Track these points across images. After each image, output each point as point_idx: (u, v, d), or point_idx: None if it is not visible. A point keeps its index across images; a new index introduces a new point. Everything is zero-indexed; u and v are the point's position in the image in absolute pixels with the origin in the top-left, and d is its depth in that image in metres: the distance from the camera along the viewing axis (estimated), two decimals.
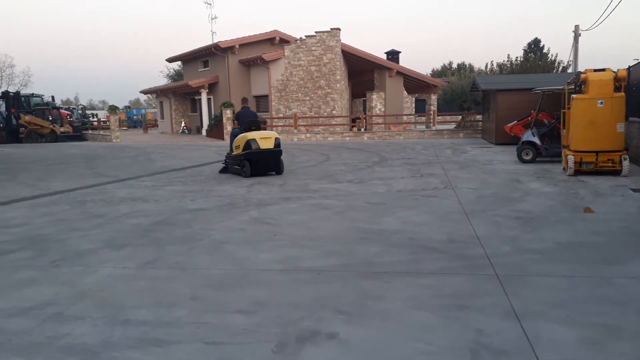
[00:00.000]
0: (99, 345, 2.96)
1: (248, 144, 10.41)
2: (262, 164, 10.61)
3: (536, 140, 11.69)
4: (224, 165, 11.59)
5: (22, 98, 29.42)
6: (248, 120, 11.00)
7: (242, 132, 10.80)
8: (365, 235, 5.42)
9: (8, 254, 5.00)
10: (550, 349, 2.81)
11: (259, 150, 10.41)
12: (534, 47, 46.98)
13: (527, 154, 11.74)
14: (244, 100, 12.23)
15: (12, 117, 27.86)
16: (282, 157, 11.05)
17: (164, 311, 3.46)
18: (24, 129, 27.69)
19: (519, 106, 15.52)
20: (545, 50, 43.06)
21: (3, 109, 28.26)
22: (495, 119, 16.93)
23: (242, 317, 3.33)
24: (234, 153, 10.87)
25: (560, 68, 35.15)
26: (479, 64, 73.43)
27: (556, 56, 36.88)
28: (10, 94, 28.90)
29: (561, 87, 11.44)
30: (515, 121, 14.49)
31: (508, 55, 51.64)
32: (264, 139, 10.57)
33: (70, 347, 2.96)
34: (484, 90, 18.60)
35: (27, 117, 27.73)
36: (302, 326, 3.17)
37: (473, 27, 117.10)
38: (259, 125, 11.19)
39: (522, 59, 36.05)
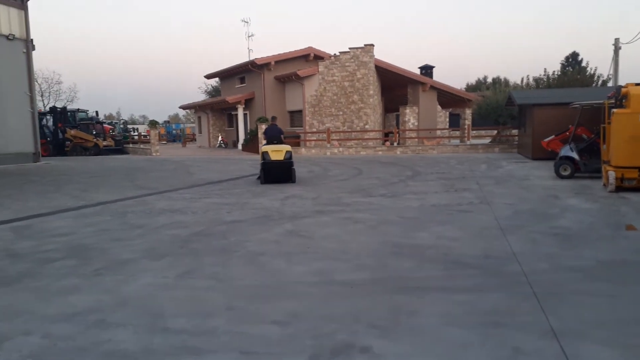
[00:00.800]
0: (139, 352, 3.06)
1: (263, 155, 12.02)
2: (273, 173, 12.00)
3: (574, 155, 11.41)
4: (259, 173, 12.64)
5: (68, 113, 30.69)
6: (271, 135, 12.50)
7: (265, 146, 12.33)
8: (399, 249, 5.41)
9: (54, 262, 5.22)
10: None
11: (271, 161, 11.91)
12: (572, 60, 45.89)
13: (565, 170, 11.46)
14: (273, 118, 13.60)
15: (59, 131, 29.11)
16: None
17: (201, 320, 3.55)
18: (69, 142, 28.85)
19: (556, 121, 15.21)
20: (583, 64, 41.96)
21: (50, 123, 29.57)
22: (532, 133, 16.61)
23: (277, 328, 3.38)
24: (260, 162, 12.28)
25: (600, 82, 34.22)
26: (514, 78, 72.18)
27: (595, 70, 35.89)
28: (58, 109, 30.23)
29: (601, 101, 11.16)
30: (553, 136, 14.19)
31: (545, 69, 50.66)
32: (275, 151, 11.98)
33: (112, 352, 3.07)
34: (520, 105, 18.30)
35: (73, 131, 28.89)
36: (336, 339, 3.20)
37: (508, 41, 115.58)
38: (280, 140, 12.51)
39: (559, 73, 35.32)
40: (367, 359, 2.93)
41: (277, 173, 12.01)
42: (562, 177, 11.39)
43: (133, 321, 3.56)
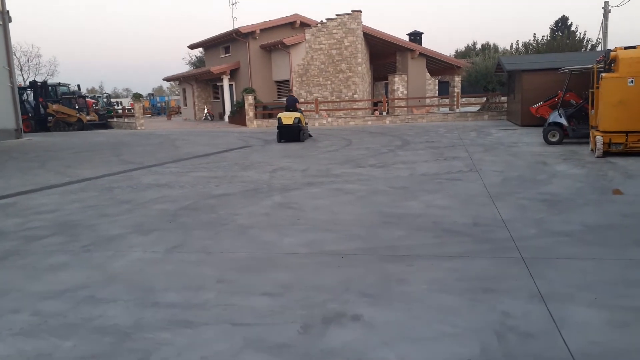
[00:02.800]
0: (130, 327, 3.06)
1: (278, 120, 15.42)
2: (284, 134, 15.32)
3: (563, 121, 11.44)
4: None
5: (49, 87, 29.95)
6: (288, 104, 16.10)
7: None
8: (389, 219, 5.42)
9: (41, 239, 5.17)
10: (578, 332, 2.79)
11: (283, 125, 15.24)
12: (562, 25, 45.66)
13: (553, 136, 11.50)
14: (290, 91, 18.73)
15: (40, 106, 28.48)
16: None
17: (192, 294, 3.54)
18: (51, 117, 28.29)
19: (546, 87, 15.17)
20: (573, 29, 41.81)
21: (31, 98, 28.90)
22: (521, 100, 16.59)
23: (268, 300, 3.39)
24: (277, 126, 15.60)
25: (589, 46, 34.15)
26: (503, 44, 71.78)
27: (584, 34, 35.90)
28: (38, 83, 29.49)
29: (590, 66, 11.12)
30: (542, 102, 14.20)
31: (534, 34, 50.42)
32: (286, 117, 15.23)
33: (103, 328, 3.06)
34: (509, 71, 18.22)
35: (55, 106, 28.29)
36: (327, 308, 3.22)
37: (497, 6, 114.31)
38: (295, 108, 15.93)
39: (548, 38, 35.16)
40: (358, 327, 2.96)
41: (288, 134, 15.25)
42: (551, 143, 11.44)
43: (123, 296, 3.54)
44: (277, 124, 15.44)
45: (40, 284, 3.87)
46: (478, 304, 3.21)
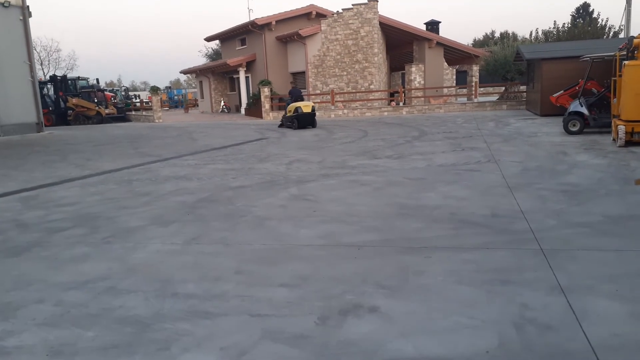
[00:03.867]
0: (150, 317, 3.11)
1: (296, 109, 17.14)
2: (303, 121, 17.18)
3: (584, 110, 11.22)
4: (281, 123, 18.54)
5: (69, 81, 30.36)
6: (296, 95, 18.43)
7: (292, 103, 17.77)
8: (405, 210, 5.40)
9: (63, 231, 5.27)
10: (599, 324, 2.75)
11: (302, 113, 17.06)
12: (583, 12, 44.62)
13: (574, 125, 11.29)
14: (293, 83, 21.36)
15: (60, 100, 28.92)
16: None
17: (211, 285, 3.58)
18: (71, 111, 28.69)
19: (566, 75, 14.86)
20: (594, 15, 40.84)
21: (51, 92, 29.35)
22: (541, 89, 16.30)
23: (286, 291, 3.41)
24: (288, 115, 17.61)
25: (611, 34, 33.34)
26: (523, 32, 70.49)
27: (606, 21, 35.00)
28: (58, 77, 29.93)
29: (612, 53, 10.86)
30: (562, 91, 13.91)
31: (554, 22, 49.35)
32: (305, 106, 17.29)
33: (124, 318, 3.12)
34: (529, 60, 17.89)
35: (74, 100, 28.69)
36: (344, 300, 3.23)
37: None
38: (303, 98, 18.56)
39: (569, 26, 34.42)
40: (376, 318, 2.96)
41: (306, 121, 17.27)
42: (571, 133, 11.24)
43: (143, 287, 3.60)
44: (294, 112, 17.10)
45: (63, 275, 3.95)
46: (496, 295, 3.18)
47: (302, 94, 18.55)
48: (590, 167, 7.31)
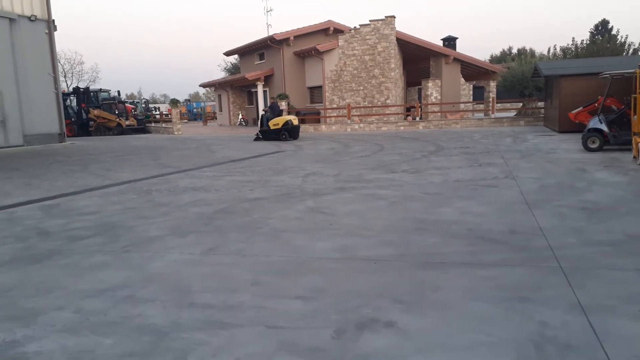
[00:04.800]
0: (168, 327, 3.13)
1: (286, 122, 18.90)
2: (291, 132, 18.89)
3: (604, 127, 11.09)
4: (257, 136, 19.57)
5: (91, 93, 31.03)
6: (277, 110, 19.82)
7: (274, 117, 19.13)
8: (422, 225, 5.38)
9: (83, 239, 5.36)
10: (620, 345, 2.70)
11: (293, 126, 19.02)
12: (602, 28, 44.32)
13: (593, 142, 11.16)
14: (273, 99, 21.51)
15: (82, 111, 29.54)
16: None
17: (227, 295, 3.60)
18: (93, 122, 29.27)
19: (585, 92, 14.76)
20: (614, 32, 40.48)
21: (74, 103, 30.00)
22: (559, 105, 16.18)
23: (302, 303, 3.42)
24: (273, 128, 18.93)
25: (631, 50, 33.01)
26: (540, 48, 70.14)
27: (626, 38, 34.58)
28: (81, 89, 30.60)
29: (632, 70, 10.75)
30: (581, 107, 13.82)
31: (573, 38, 49.04)
32: (293, 119, 19.35)
33: (142, 327, 3.15)
34: (547, 76, 17.80)
35: (96, 111, 29.28)
36: (361, 313, 3.22)
37: (534, 10, 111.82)
38: (282, 113, 20.31)
39: (588, 42, 34.16)
40: (392, 333, 2.94)
41: (294, 132, 19.01)
42: (590, 150, 11.11)
43: (161, 296, 3.63)
44: (283, 125, 18.75)
45: (82, 283, 4.01)
46: (514, 313, 3.15)
47: (282, 109, 21.19)
48: (611, 185, 7.21)
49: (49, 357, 2.81)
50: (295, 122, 19.14)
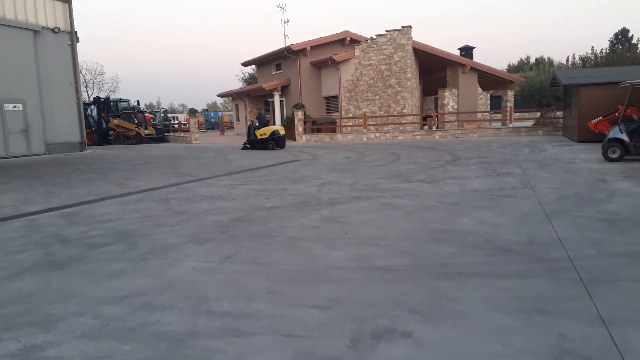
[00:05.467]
0: (185, 334, 3.16)
1: (273, 132, 19.68)
2: (278, 141, 19.61)
3: (624, 137, 10.92)
4: (245, 145, 20.42)
5: (111, 103, 31.61)
6: (264, 121, 21.26)
7: (261, 127, 20.17)
8: (439, 235, 5.35)
9: (102, 247, 5.44)
10: None
11: (280, 136, 19.74)
12: (622, 37, 43.70)
13: (613, 152, 10.99)
14: (260, 110, 23.68)
15: (103, 120, 30.09)
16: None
17: (244, 304, 3.62)
18: (112, 131, 29.78)
19: (605, 101, 14.57)
20: (634, 41, 39.91)
21: (95, 113, 30.58)
22: (578, 115, 15.98)
23: (318, 312, 3.42)
24: (260, 137, 19.79)
25: None
26: (559, 57, 69.41)
27: None
28: (101, 99, 31.19)
29: None
30: (601, 117, 13.63)
31: (592, 47, 48.48)
32: (280, 129, 20.10)
33: (159, 334, 3.18)
34: (565, 85, 17.61)
35: (116, 121, 29.78)
36: (377, 323, 3.21)
37: (552, 19, 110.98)
38: (268, 123, 22.08)
39: (608, 51, 33.75)
40: (409, 343, 2.93)
41: (280, 141, 19.77)
42: (611, 160, 10.93)
43: (178, 304, 3.67)
44: (270, 135, 19.59)
45: (101, 290, 4.07)
46: (533, 325, 3.10)
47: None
48: (632, 196, 7.08)
49: None
50: (282, 132, 19.93)
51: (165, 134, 32.91)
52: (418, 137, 22.74)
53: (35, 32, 20.01)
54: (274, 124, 30.68)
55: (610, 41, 44.16)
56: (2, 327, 3.38)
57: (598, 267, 4.14)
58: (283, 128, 20.47)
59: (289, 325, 3.23)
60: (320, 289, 3.88)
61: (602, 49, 35.26)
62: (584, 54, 43.08)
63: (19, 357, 2.94)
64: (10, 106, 19.17)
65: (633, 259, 4.30)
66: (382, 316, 3.32)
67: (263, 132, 19.75)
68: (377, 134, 23.55)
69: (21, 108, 19.54)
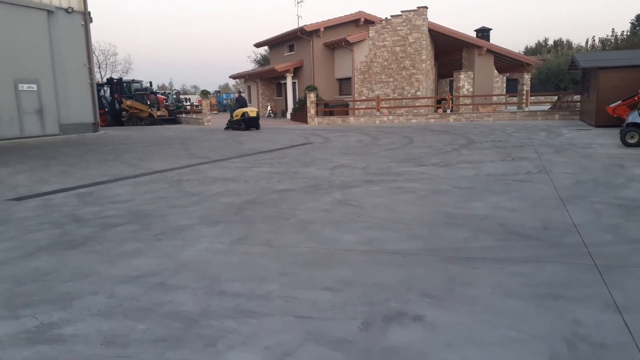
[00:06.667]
0: (198, 314, 3.19)
1: (243, 114, 21.07)
2: (249, 123, 21.01)
3: None
4: (227, 126, 22.02)
5: (124, 84, 31.69)
6: (242, 102, 22.18)
7: (239, 109, 21.42)
8: (452, 219, 5.31)
9: (116, 227, 5.49)
10: None
11: (249, 117, 21.02)
12: None
13: (632, 137, 10.78)
14: (240, 92, 25.13)
15: (115, 101, 30.24)
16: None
17: (256, 285, 3.64)
18: (125, 112, 29.93)
19: (624, 85, 14.27)
20: None
21: (108, 94, 30.72)
22: (596, 99, 15.68)
23: (329, 294, 3.43)
24: (235, 119, 21.31)
25: None
26: (578, 40, 67.95)
27: None
28: (114, 80, 31.30)
29: None
30: (619, 101, 13.35)
31: (612, 29, 47.33)
32: (251, 111, 21.27)
33: (173, 313, 3.22)
34: (584, 68, 17.25)
35: (129, 102, 29.92)
36: (388, 306, 3.21)
37: (572, 0, 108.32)
38: (247, 105, 22.62)
39: (628, 33, 32.93)
40: (420, 327, 2.93)
41: (252, 123, 21.10)
42: (629, 145, 10.73)
43: (192, 284, 3.70)
44: (241, 116, 20.94)
45: (116, 269, 4.12)
46: (546, 310, 3.08)
47: (247, 102, 23.83)
48: None
49: (84, 340, 2.90)
50: (253, 114, 21.18)
51: (178, 115, 33.00)
52: (432, 120, 22.53)
53: (49, 12, 20.03)
54: (286, 106, 30.64)
55: (632, 23, 43.08)
56: (20, 305, 3.44)
57: (614, 253, 4.09)
58: (255, 110, 21.59)
59: (301, 307, 3.24)
60: (332, 271, 3.89)
61: (623, 32, 34.46)
62: (604, 36, 42.13)
63: (36, 333, 3.00)
64: (25, 86, 19.30)
65: None
66: (394, 299, 3.32)
67: (237, 114, 21.28)
68: (390, 117, 23.37)
69: (35, 88, 19.67)
